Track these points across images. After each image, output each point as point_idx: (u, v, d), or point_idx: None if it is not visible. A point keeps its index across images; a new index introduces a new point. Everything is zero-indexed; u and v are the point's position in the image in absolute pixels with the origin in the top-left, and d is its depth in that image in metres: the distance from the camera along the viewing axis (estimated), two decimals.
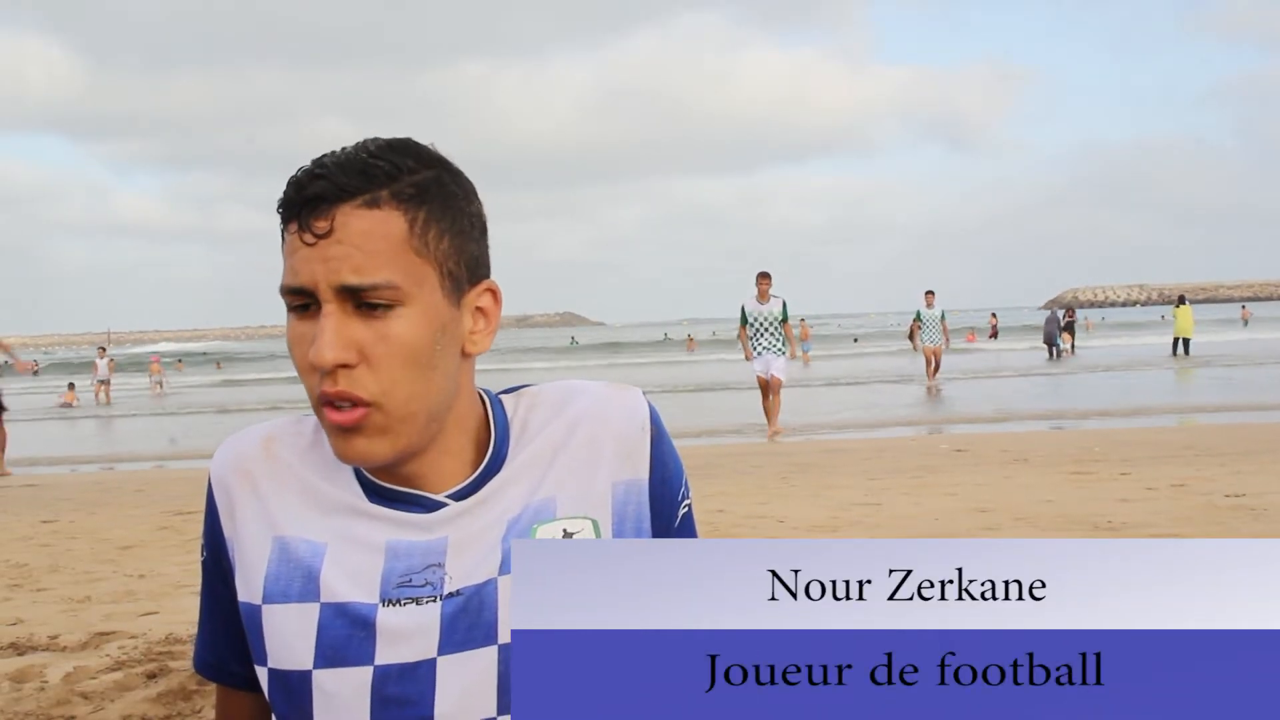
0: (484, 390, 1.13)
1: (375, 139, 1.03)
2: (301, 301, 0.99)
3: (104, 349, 27.39)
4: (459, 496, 1.06)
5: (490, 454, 1.08)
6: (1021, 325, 48.35)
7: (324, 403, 1.00)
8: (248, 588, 1.07)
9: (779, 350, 12.51)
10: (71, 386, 25.80)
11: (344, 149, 1.01)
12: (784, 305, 12.55)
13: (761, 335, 12.53)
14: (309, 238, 0.97)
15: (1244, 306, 48.53)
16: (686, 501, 1.15)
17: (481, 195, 1.09)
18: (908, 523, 5.75)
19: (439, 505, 1.06)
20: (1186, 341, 25.25)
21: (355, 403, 0.99)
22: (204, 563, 1.14)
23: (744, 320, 12.74)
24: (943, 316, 19.94)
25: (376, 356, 0.98)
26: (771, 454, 10.09)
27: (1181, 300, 26.31)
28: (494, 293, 1.07)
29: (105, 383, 25.47)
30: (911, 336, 21.96)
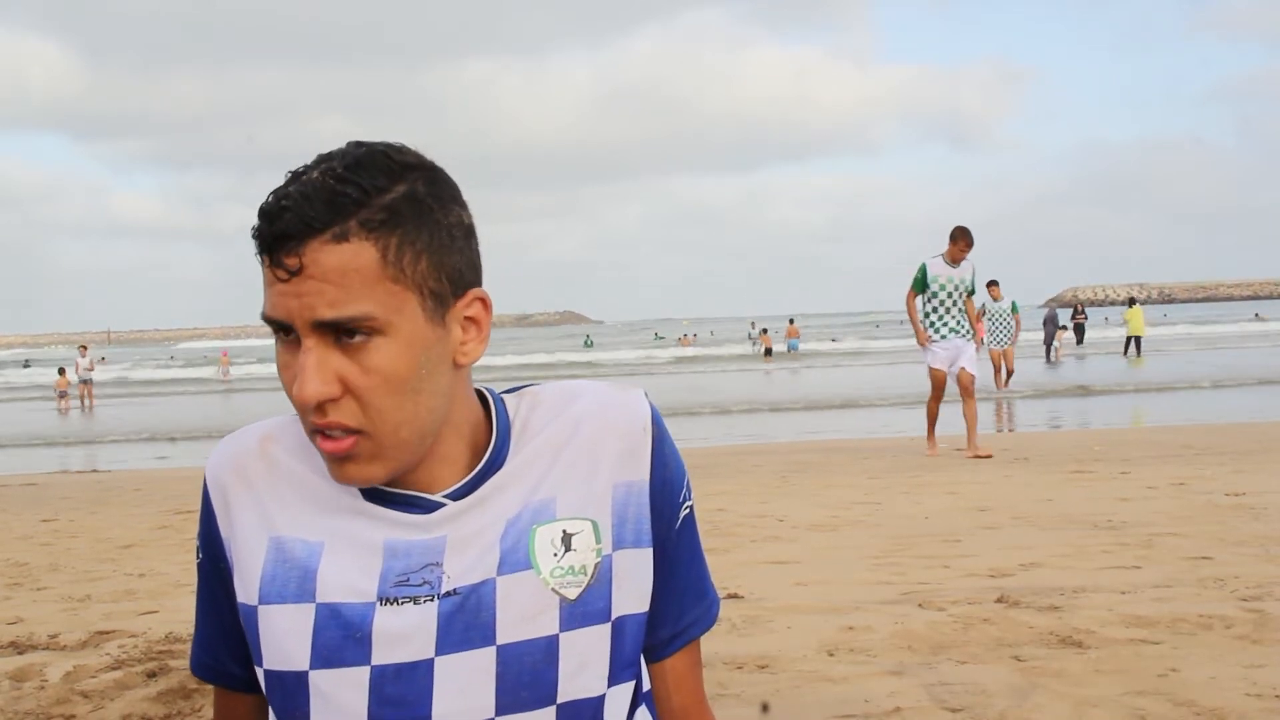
0: (487, 390, 1.13)
1: (347, 153, 0.99)
2: (281, 334, 0.99)
3: (85, 347, 26.32)
4: (457, 496, 1.06)
5: (489, 454, 1.08)
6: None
7: (315, 431, 1.00)
8: (245, 588, 1.07)
9: (968, 334, 8.87)
10: (62, 372, 24.92)
11: (312, 169, 0.98)
12: (974, 273, 8.85)
13: (948, 311, 8.73)
14: (281, 274, 0.96)
15: (1257, 314, 49.67)
16: (688, 504, 1.15)
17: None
18: (908, 522, 5.74)
19: (437, 505, 1.06)
20: (1138, 340, 26.07)
21: (345, 430, 0.98)
22: (200, 564, 1.13)
23: (921, 285, 8.75)
24: (1014, 309, 16.28)
25: (360, 388, 0.97)
26: (771, 454, 10.09)
27: (1132, 301, 27.16)
28: (484, 301, 1.05)
29: (88, 383, 23.99)
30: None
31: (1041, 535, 5.19)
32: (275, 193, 0.97)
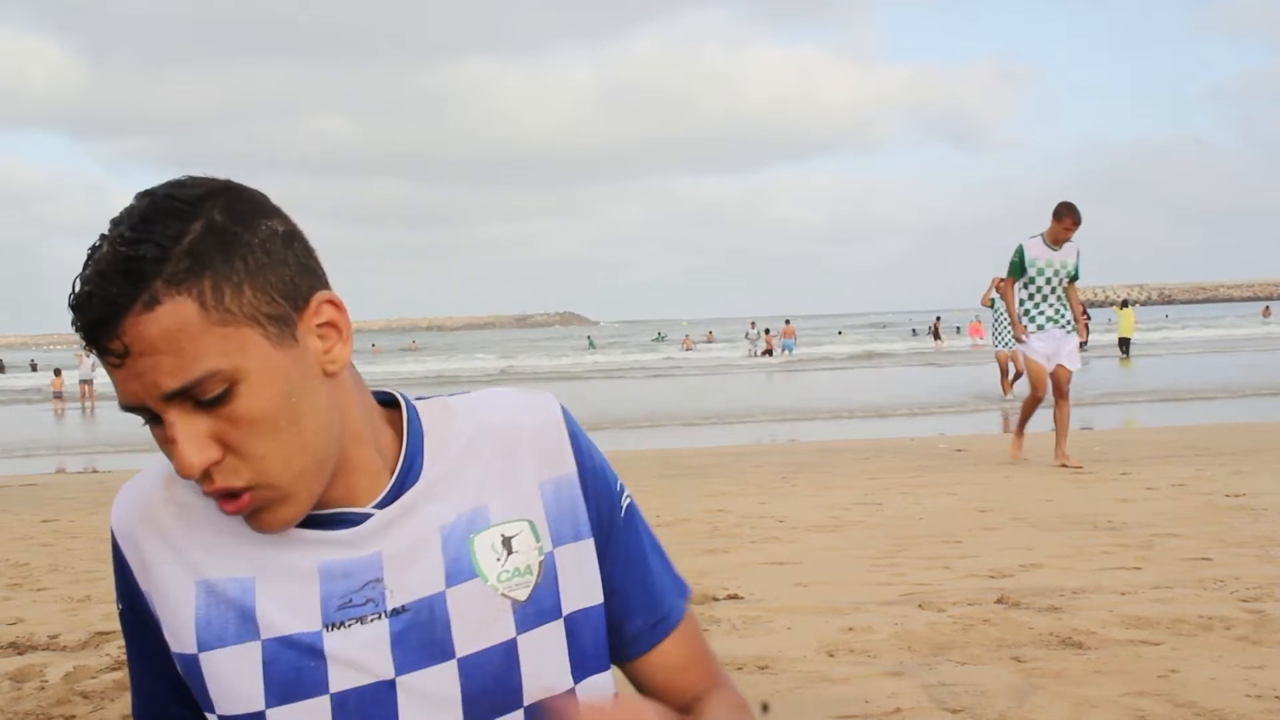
0: (398, 393, 1.11)
1: (133, 210, 0.92)
2: (144, 418, 0.95)
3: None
4: (380, 506, 1.04)
5: (404, 460, 1.05)
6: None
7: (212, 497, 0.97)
8: (178, 639, 1.03)
9: (1069, 325, 7.82)
10: (58, 373, 24.96)
11: (103, 244, 0.91)
12: (1079, 256, 7.79)
13: (1045, 299, 7.79)
14: (113, 360, 0.91)
15: (1267, 306, 50.42)
16: (627, 494, 1.15)
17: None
18: (907, 522, 5.74)
19: (364, 517, 1.03)
20: (1127, 341, 27.07)
21: (236, 492, 0.95)
22: (122, 614, 1.09)
23: (1019, 270, 7.81)
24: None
25: (236, 442, 0.93)
26: (771, 454, 10.09)
27: (1125, 303, 28.23)
28: (333, 303, 0.99)
29: (89, 383, 23.80)
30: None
31: (1041, 536, 5.19)
32: (78, 278, 0.92)
